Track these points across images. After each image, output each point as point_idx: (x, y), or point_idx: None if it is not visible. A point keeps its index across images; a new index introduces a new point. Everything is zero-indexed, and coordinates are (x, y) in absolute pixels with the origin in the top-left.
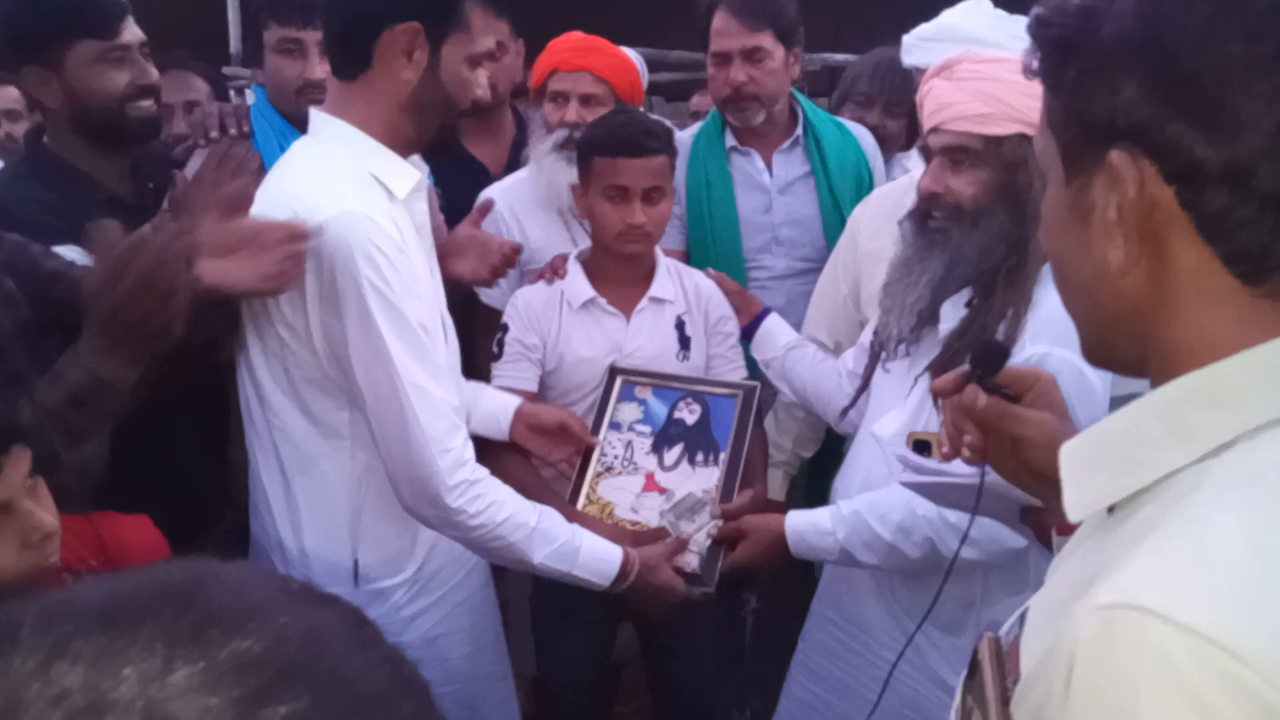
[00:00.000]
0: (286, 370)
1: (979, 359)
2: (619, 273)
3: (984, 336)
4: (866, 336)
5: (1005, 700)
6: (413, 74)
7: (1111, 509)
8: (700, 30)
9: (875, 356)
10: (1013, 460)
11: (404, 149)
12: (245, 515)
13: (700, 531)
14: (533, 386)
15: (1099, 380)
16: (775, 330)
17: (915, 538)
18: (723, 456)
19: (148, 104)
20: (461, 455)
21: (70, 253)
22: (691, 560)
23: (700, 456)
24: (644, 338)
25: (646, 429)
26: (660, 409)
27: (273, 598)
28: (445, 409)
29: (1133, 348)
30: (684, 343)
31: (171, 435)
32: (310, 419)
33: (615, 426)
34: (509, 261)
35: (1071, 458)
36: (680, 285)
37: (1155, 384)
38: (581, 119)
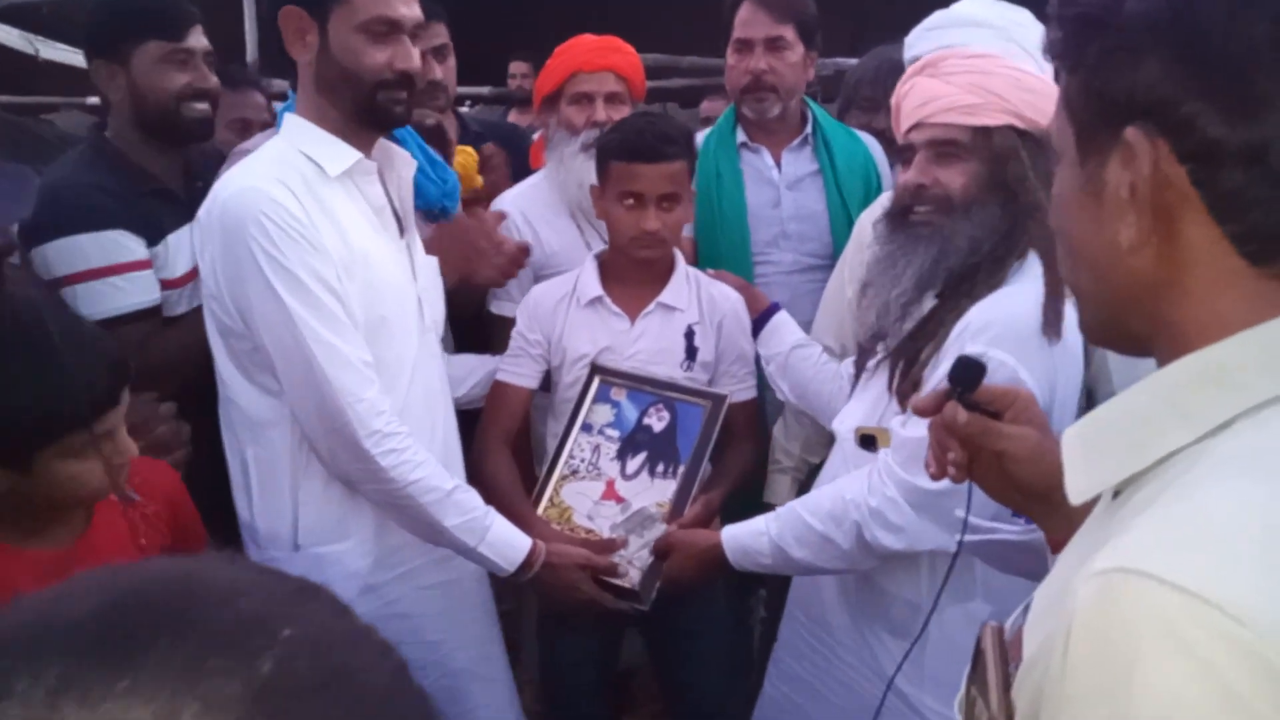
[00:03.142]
0: (229, 344)
1: (957, 376)
2: (632, 275)
3: (956, 351)
4: None
5: (1007, 686)
6: (308, 55)
7: (1117, 494)
8: (725, 26)
9: (862, 359)
10: (999, 477)
11: (345, 131)
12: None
13: (646, 548)
14: (533, 383)
15: (1037, 385)
16: (783, 327)
17: (845, 525)
18: (681, 469)
19: (202, 106)
20: (376, 405)
21: (122, 237)
22: (633, 575)
23: (661, 467)
24: (647, 341)
25: (615, 434)
26: (632, 413)
27: (267, 606)
28: (354, 362)
29: (1141, 326)
30: (691, 353)
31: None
32: (257, 388)
33: (586, 429)
34: (518, 261)
35: (1074, 441)
36: (696, 294)
37: (1162, 363)
38: (609, 118)
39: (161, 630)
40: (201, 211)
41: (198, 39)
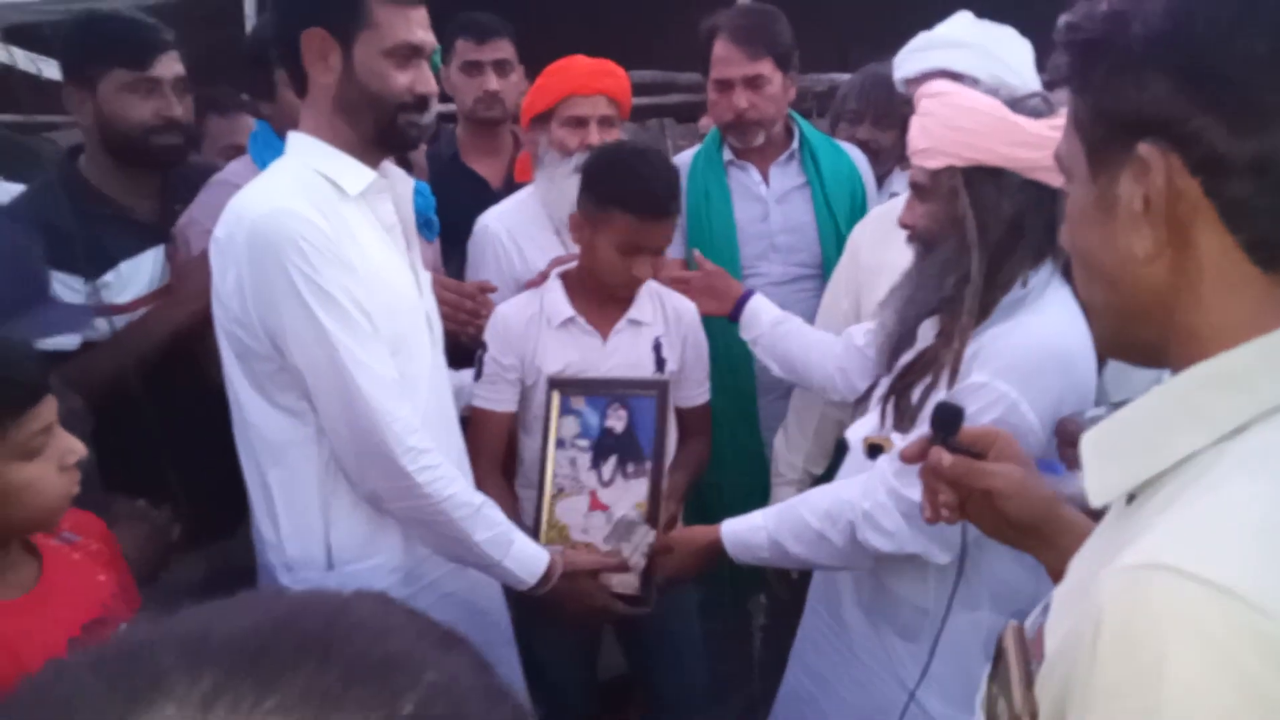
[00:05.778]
0: (250, 366)
1: (938, 422)
2: (600, 295)
3: (943, 396)
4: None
5: (1030, 683)
6: (330, 77)
7: (1131, 500)
8: (702, 54)
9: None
10: (991, 515)
11: (358, 151)
12: None
13: (637, 552)
14: (511, 407)
15: (1037, 419)
16: (760, 309)
17: (839, 524)
18: (647, 465)
19: (172, 136)
20: (410, 423)
21: (68, 281)
22: (633, 581)
23: (630, 467)
24: (619, 357)
25: (585, 443)
26: (594, 419)
27: (411, 647)
28: (388, 382)
29: (1155, 336)
30: (660, 364)
31: (185, 440)
32: (278, 409)
33: (560, 445)
34: (483, 304)
35: (1093, 446)
36: (660, 308)
37: (1175, 371)
38: (601, 141)
39: (311, 655)
40: (220, 233)
41: (166, 67)
